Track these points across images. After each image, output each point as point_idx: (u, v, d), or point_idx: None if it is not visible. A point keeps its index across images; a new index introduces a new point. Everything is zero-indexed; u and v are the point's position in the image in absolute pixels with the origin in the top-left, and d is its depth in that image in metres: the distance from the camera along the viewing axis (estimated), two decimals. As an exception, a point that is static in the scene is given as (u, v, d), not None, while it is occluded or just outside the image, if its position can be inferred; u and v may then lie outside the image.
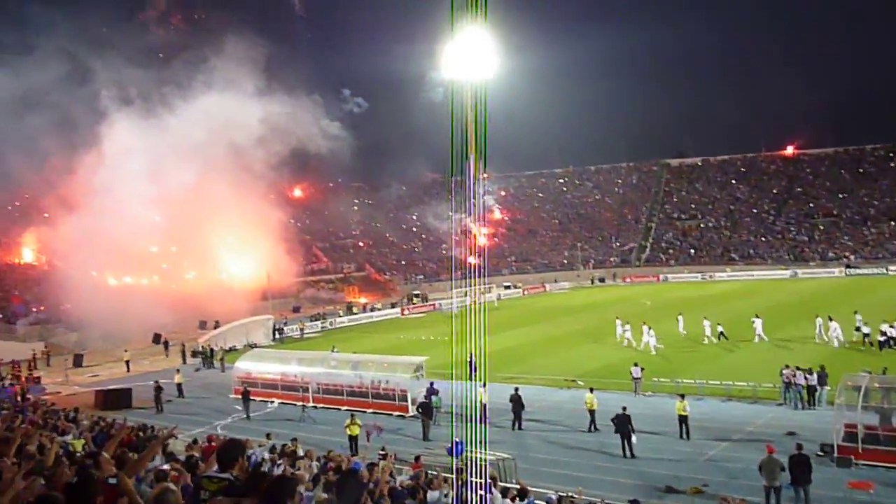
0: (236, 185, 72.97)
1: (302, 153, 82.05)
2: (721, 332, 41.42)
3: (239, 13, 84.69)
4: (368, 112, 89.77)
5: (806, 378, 27.19)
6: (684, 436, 24.05)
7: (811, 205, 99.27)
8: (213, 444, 19.19)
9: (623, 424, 22.80)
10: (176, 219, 68.35)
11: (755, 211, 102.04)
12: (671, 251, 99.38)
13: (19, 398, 31.21)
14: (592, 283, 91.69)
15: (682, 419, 24.21)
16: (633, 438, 22.68)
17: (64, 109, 66.53)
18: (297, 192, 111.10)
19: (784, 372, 27.70)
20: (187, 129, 70.47)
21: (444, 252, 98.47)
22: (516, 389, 27.49)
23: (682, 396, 24.96)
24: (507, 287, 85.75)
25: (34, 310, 59.85)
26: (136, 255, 67.73)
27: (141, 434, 20.67)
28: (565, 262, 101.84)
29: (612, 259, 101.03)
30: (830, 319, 38.45)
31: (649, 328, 40.71)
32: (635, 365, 31.23)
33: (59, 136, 65.62)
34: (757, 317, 41.37)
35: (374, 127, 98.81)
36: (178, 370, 40.17)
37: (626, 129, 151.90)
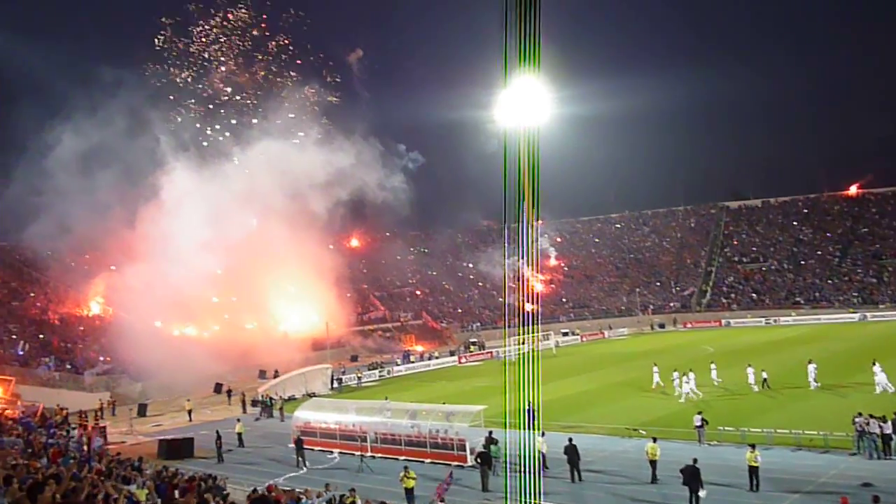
0: (295, 234, 74.53)
1: (359, 203, 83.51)
2: (765, 380, 40.23)
3: (298, 64, 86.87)
4: (424, 161, 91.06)
5: (880, 426, 26.04)
6: (754, 487, 23.19)
7: (878, 245, 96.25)
8: (273, 493, 19.30)
9: (693, 478, 21.99)
10: (236, 268, 70.01)
11: (819, 253, 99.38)
12: (733, 295, 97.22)
13: (86, 448, 31.85)
14: (652, 328, 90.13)
15: (753, 470, 23.30)
16: (702, 493, 21.89)
17: (126, 161, 69.46)
18: (354, 242, 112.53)
19: (857, 420, 26.58)
20: (246, 177, 72.46)
21: (500, 299, 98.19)
22: (570, 440, 26.91)
23: (753, 447, 24.03)
24: (566, 334, 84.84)
25: (100, 360, 61.35)
26: (198, 304, 69.39)
27: (203, 484, 20.88)
28: (624, 307, 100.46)
29: (671, 304, 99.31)
30: (874, 363, 37.13)
31: (683, 375, 39.79)
32: (698, 413, 30.41)
33: (122, 188, 68.43)
34: (811, 362, 40.07)
35: (430, 176, 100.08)
36: (238, 420, 40.54)
37: (683, 172, 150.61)
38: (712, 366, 43.98)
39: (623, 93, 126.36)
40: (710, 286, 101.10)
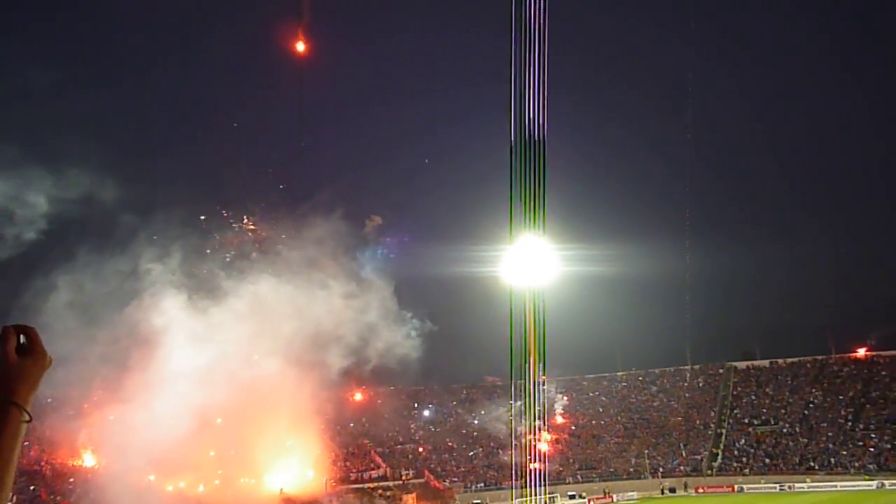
0: (297, 385, 73.34)
1: (365, 358, 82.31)
2: None
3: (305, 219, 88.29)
4: (434, 328, 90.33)
5: None
6: None
7: (889, 410, 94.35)
8: None
9: None
10: (234, 416, 68.60)
11: (831, 416, 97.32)
12: (744, 459, 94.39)
13: None
14: (662, 493, 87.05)
15: None
16: None
17: (124, 302, 68.64)
18: (358, 396, 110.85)
19: None
20: (249, 319, 71.43)
21: (505, 458, 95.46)
22: None
23: None
24: (572, 497, 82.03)
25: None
26: (195, 456, 67.53)
27: None
28: (633, 469, 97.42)
29: (681, 468, 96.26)
30: None
31: None
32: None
33: (119, 331, 67.34)
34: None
35: (434, 332, 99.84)
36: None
37: (689, 331, 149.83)
38: None
39: (629, 255, 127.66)
40: (720, 449, 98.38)
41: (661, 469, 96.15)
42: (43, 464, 65.86)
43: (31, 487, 60.59)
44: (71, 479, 65.38)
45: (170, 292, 71.84)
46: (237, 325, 71.37)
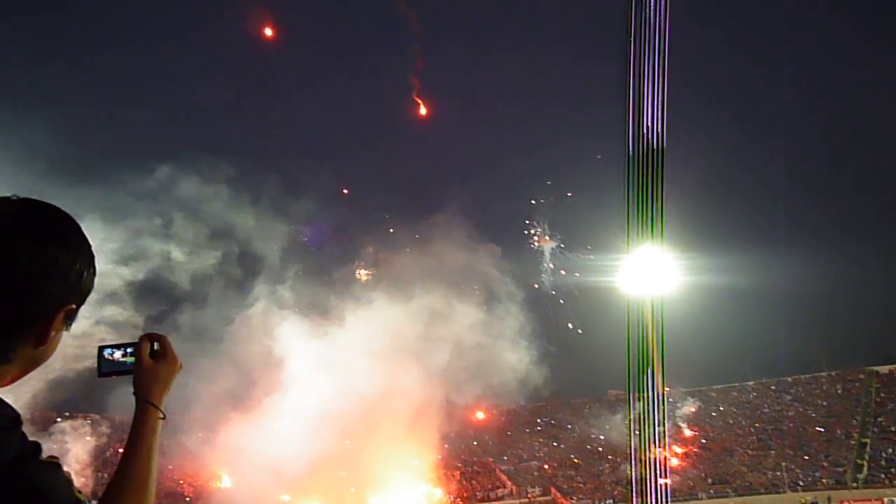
0: (420, 407, 73.88)
1: (488, 378, 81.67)
2: None
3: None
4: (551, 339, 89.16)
5: None
6: None
7: None
8: None
9: None
10: (360, 440, 69.68)
11: None
12: (893, 470, 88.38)
13: None
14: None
15: None
16: None
17: (254, 326, 70.91)
18: (480, 415, 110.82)
19: None
20: (370, 341, 72.14)
21: (630, 474, 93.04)
22: None
23: None
24: (706, 512, 79.01)
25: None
26: (323, 478, 69.10)
27: None
28: (769, 483, 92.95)
29: (823, 480, 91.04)
30: None
31: None
32: None
33: (249, 356, 69.51)
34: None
35: (555, 346, 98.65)
36: None
37: (823, 336, 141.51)
38: None
39: (755, 262, 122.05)
40: (865, 460, 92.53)
41: (800, 482, 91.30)
42: (184, 485, 69.06)
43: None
44: (210, 500, 68.20)
45: (294, 315, 74.25)
46: (364, 344, 72.55)
